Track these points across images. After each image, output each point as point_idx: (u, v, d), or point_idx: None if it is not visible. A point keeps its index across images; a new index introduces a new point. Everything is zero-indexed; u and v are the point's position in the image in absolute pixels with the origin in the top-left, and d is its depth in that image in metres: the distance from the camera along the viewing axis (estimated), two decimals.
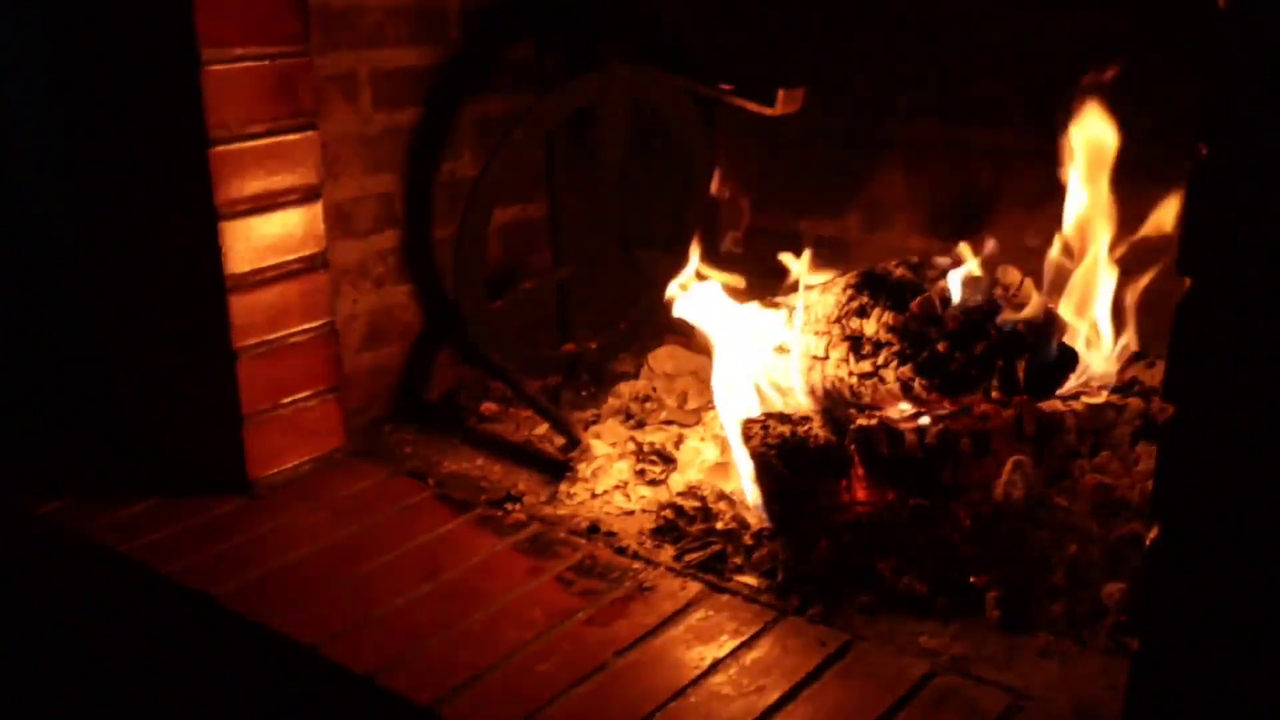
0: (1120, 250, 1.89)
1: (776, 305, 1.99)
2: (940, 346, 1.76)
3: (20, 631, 1.98)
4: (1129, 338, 1.92)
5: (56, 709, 1.88)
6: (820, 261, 1.97)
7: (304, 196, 1.91)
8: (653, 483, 1.89)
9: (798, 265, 1.97)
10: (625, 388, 2.18)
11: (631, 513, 1.83)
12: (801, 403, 1.86)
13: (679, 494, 1.82)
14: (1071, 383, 1.83)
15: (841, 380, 1.85)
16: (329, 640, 1.53)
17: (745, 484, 1.75)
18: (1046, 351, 1.76)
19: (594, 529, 1.78)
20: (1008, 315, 1.78)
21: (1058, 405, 1.77)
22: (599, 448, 1.94)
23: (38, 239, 2.18)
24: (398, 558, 1.73)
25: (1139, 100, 1.83)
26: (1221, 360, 0.95)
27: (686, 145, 2.36)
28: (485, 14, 2.24)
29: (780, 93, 2.09)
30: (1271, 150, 0.89)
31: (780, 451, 1.69)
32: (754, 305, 2.01)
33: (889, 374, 1.79)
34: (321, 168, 1.94)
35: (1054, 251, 1.91)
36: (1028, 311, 1.81)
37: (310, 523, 1.84)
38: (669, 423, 2.06)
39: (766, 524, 1.70)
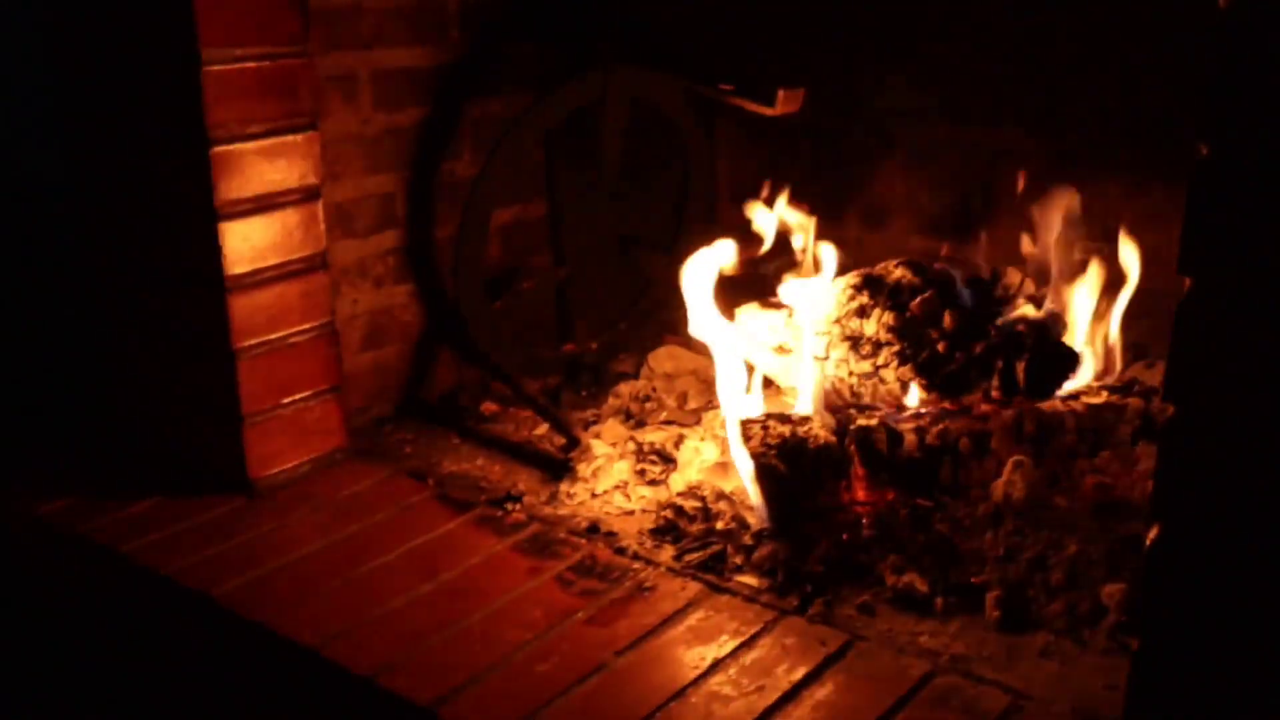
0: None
1: (777, 305, 1.99)
2: (940, 346, 1.77)
3: (20, 631, 1.98)
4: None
5: (57, 709, 1.88)
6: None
7: (304, 196, 1.91)
8: (653, 483, 1.89)
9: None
10: (625, 388, 2.18)
11: (631, 513, 1.83)
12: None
13: (679, 494, 1.82)
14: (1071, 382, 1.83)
15: (841, 380, 1.85)
16: (329, 640, 1.53)
17: (747, 483, 1.74)
18: (1047, 352, 1.76)
19: (594, 529, 1.78)
20: (1008, 315, 1.78)
21: (1058, 405, 1.77)
22: (599, 448, 1.94)
23: (38, 239, 2.18)
24: (398, 558, 1.73)
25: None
26: (1221, 360, 0.95)
27: (686, 145, 2.36)
28: (485, 14, 2.24)
29: (780, 93, 2.09)
30: (1271, 150, 0.89)
31: (780, 451, 1.69)
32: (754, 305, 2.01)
33: (889, 374, 1.79)
34: (321, 168, 1.93)
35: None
36: (1029, 311, 1.81)
37: (310, 523, 1.83)
38: (669, 423, 2.06)
39: (766, 524, 1.70)
